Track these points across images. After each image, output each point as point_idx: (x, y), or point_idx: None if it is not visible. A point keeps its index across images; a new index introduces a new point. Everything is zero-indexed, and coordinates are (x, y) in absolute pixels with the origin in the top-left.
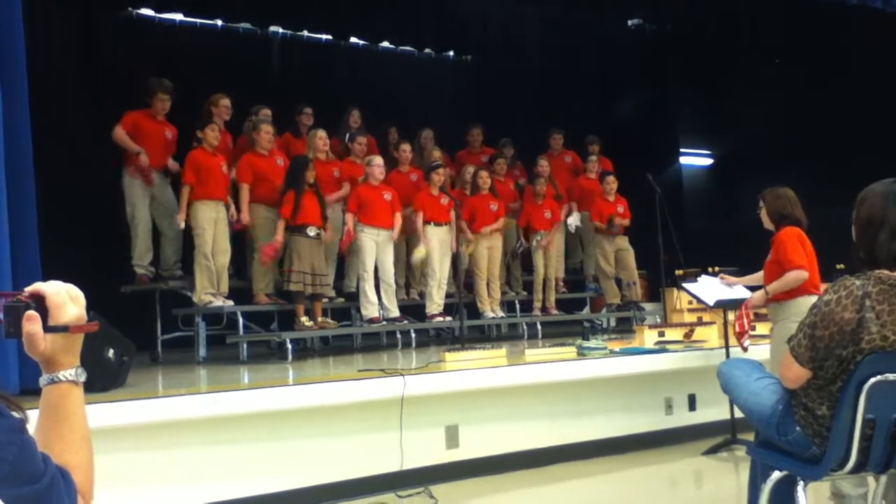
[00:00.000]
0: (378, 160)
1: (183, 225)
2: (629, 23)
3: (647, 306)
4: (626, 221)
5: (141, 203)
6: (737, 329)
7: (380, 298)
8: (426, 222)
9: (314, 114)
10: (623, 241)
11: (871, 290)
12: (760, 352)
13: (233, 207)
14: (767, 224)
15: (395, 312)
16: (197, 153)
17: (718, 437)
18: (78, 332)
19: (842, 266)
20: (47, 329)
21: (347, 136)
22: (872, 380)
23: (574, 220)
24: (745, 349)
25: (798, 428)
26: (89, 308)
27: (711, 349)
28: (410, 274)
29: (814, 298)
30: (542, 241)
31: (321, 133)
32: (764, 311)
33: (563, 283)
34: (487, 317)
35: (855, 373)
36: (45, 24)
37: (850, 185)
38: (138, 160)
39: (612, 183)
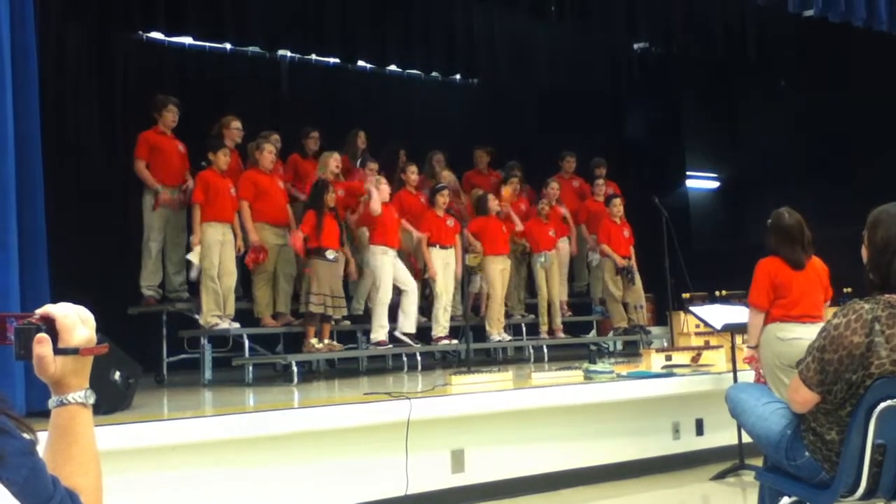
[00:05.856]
0: (383, 181)
1: (198, 248)
2: (635, 46)
3: (654, 330)
4: (621, 259)
5: (158, 228)
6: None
7: (395, 317)
8: (431, 245)
9: (323, 136)
10: (631, 265)
11: (880, 313)
12: None
13: (239, 239)
14: None
15: (412, 328)
16: (207, 174)
17: (726, 462)
18: (88, 354)
19: (849, 290)
20: (57, 351)
21: (360, 160)
22: (882, 405)
23: (594, 259)
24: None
25: (807, 453)
26: (97, 330)
27: (719, 373)
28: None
29: (784, 325)
30: (546, 262)
31: (335, 155)
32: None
33: (567, 305)
34: (493, 340)
35: (864, 397)
36: (58, 47)
37: (857, 206)
38: (159, 199)
39: (618, 206)
